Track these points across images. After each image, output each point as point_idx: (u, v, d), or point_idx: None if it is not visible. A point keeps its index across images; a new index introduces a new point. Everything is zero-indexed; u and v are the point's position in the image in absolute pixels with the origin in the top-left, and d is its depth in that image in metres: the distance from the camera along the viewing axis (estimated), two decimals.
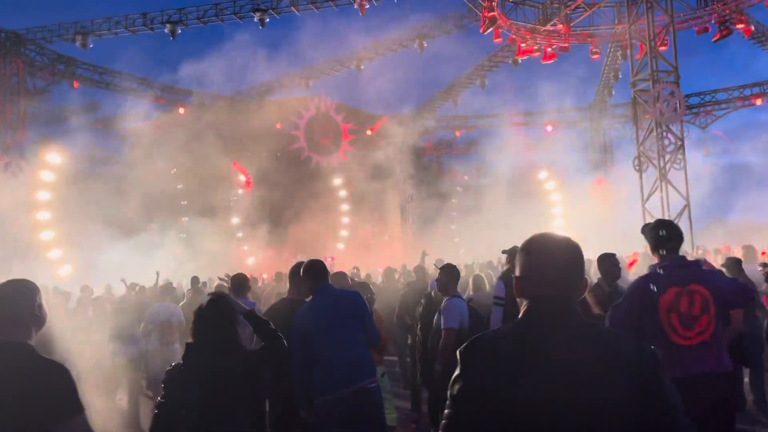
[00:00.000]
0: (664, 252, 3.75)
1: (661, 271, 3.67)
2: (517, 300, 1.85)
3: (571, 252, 1.82)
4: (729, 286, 3.79)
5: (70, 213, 15.83)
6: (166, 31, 18.84)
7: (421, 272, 9.32)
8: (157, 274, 10.53)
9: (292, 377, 4.10)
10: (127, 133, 20.56)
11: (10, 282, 2.58)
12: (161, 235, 18.10)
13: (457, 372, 1.74)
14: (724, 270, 6.29)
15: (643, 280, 3.75)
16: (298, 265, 4.72)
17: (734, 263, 6.71)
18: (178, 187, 20.92)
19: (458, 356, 1.75)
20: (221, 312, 3.28)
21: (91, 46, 18.68)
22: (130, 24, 18.96)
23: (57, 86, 18.95)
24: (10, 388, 2.27)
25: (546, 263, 1.79)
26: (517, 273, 1.85)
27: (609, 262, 5.37)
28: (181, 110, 22.30)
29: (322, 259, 4.66)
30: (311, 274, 4.42)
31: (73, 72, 18.84)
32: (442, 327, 5.43)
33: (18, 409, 2.24)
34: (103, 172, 22.24)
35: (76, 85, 19.02)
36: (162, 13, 18.86)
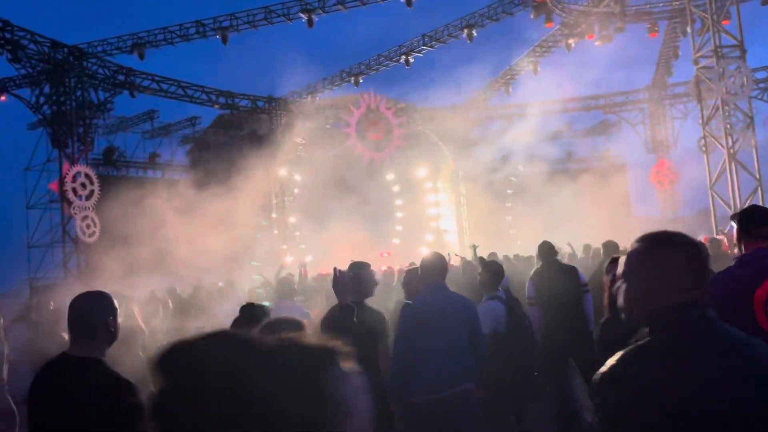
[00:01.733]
0: (757, 240, 3.18)
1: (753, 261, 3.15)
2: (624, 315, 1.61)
3: (690, 248, 1.57)
4: None
5: None
6: (218, 37, 19.27)
7: (470, 267, 9.12)
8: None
9: (391, 370, 4.04)
10: None
11: (86, 294, 2.55)
12: None
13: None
14: None
15: (730, 272, 3.21)
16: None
17: None
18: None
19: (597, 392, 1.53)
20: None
21: (147, 56, 19.35)
22: (184, 33, 19.47)
23: (118, 97, 19.66)
24: (79, 405, 2.24)
25: (660, 265, 1.55)
26: (625, 282, 1.61)
27: None
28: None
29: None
30: (429, 270, 4.26)
31: (132, 82, 19.50)
32: None
33: (88, 427, 2.21)
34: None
35: (135, 95, 19.69)
36: (214, 20, 19.28)
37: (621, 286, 1.63)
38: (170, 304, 7.98)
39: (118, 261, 14.92)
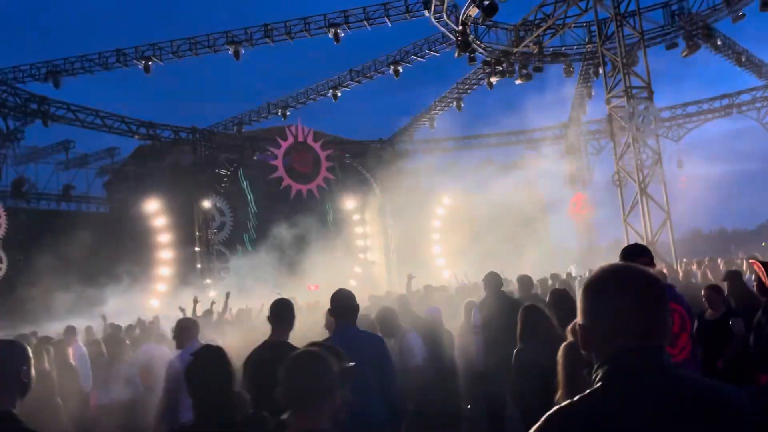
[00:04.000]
0: None
1: None
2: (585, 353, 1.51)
3: (650, 286, 1.44)
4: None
5: None
6: (140, 67, 18.74)
7: (404, 300, 9.03)
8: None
9: None
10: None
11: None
12: None
13: None
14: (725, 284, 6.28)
15: None
16: (280, 301, 4.48)
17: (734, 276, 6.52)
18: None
19: None
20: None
21: (63, 85, 18.53)
22: (104, 61, 18.82)
23: (30, 126, 18.66)
24: None
25: (616, 306, 1.42)
26: (580, 320, 1.50)
27: None
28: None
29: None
30: (339, 310, 4.18)
31: (46, 111, 18.58)
32: None
33: None
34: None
35: (49, 124, 18.74)
36: (136, 49, 18.76)
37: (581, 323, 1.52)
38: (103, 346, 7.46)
39: (29, 300, 13.98)
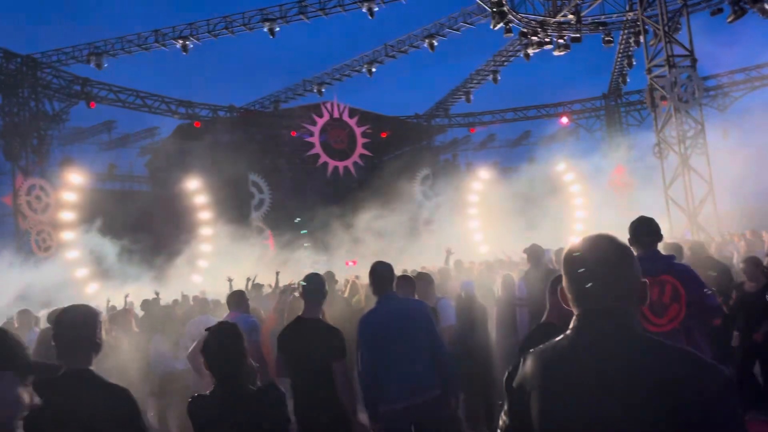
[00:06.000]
0: (639, 247, 3.94)
1: None
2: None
3: (611, 253, 1.64)
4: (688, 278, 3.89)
5: None
6: (178, 46, 19.03)
7: (445, 273, 9.23)
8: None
9: (362, 383, 4.06)
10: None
11: (72, 307, 2.61)
12: None
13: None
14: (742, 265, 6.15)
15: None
16: (310, 277, 4.44)
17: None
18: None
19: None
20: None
21: (106, 65, 18.95)
22: (143, 42, 19.17)
23: (74, 108, 19.19)
24: (78, 416, 2.29)
25: (581, 273, 1.64)
26: (563, 284, 1.73)
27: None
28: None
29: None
30: (380, 281, 4.27)
31: (89, 92, 19.08)
32: None
33: None
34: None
35: (93, 105, 19.25)
36: (173, 29, 19.04)
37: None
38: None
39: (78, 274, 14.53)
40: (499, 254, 13.54)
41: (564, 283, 1.72)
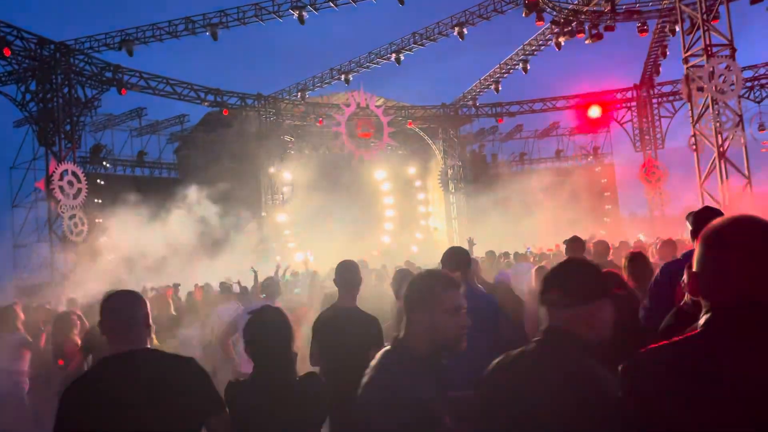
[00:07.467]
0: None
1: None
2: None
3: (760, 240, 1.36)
4: None
5: None
6: (207, 34, 19.08)
7: (476, 264, 9.10)
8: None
9: None
10: None
11: (123, 292, 2.63)
12: None
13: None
14: None
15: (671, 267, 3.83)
16: (343, 264, 4.34)
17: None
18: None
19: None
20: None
21: (136, 52, 19.11)
22: (173, 29, 19.26)
23: (105, 94, 19.37)
24: (161, 392, 2.32)
25: (730, 257, 1.36)
26: (695, 268, 1.46)
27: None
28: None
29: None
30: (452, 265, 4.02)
31: (120, 79, 19.25)
32: None
33: (176, 412, 2.33)
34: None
35: (124, 92, 19.41)
36: (204, 17, 19.09)
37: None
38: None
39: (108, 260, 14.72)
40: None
41: (697, 268, 1.45)
